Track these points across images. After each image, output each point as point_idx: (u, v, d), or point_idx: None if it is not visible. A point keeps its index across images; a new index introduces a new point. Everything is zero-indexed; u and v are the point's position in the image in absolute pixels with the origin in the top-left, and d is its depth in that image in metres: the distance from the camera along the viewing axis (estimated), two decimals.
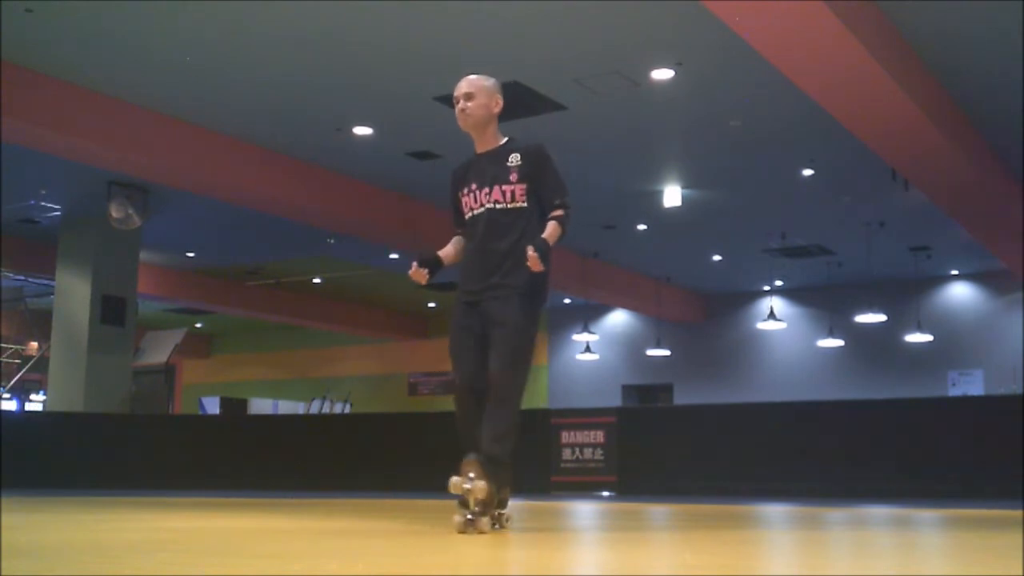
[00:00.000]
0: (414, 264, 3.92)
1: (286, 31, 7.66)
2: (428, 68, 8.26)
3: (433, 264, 3.94)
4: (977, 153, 9.84)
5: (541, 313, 3.88)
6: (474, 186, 3.89)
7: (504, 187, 3.83)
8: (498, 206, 3.83)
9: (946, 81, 8.66)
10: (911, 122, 8.26)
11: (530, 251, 3.65)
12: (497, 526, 3.72)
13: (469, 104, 3.89)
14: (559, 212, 3.83)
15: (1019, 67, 8.15)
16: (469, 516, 3.54)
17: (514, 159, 3.86)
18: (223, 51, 8.07)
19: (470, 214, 3.91)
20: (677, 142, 10.48)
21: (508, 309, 3.74)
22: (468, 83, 3.92)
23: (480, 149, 3.97)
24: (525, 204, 3.84)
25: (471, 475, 3.54)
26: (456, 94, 3.93)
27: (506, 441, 3.67)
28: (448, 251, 4.03)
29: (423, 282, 3.94)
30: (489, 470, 3.56)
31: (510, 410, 3.70)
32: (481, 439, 3.73)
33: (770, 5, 6.29)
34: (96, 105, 8.90)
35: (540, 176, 3.86)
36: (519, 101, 8.53)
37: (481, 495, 3.51)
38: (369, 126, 9.79)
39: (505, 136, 3.98)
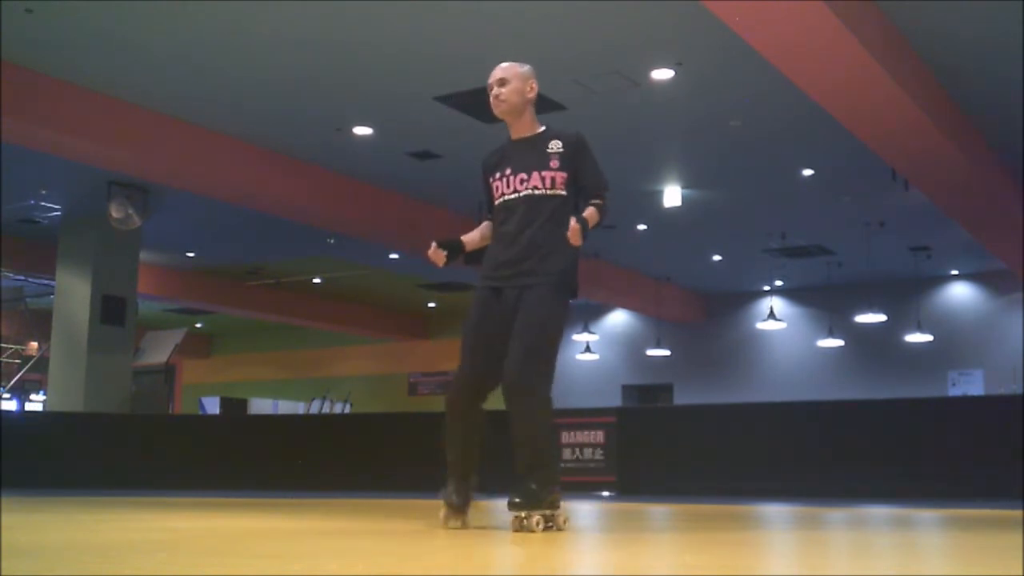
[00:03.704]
0: (433, 244, 3.88)
1: (286, 31, 7.67)
2: (428, 68, 8.26)
3: (453, 247, 3.90)
4: (977, 153, 9.84)
5: (568, 311, 3.82)
6: (508, 171, 3.83)
7: (544, 173, 3.78)
8: (536, 192, 3.78)
9: (946, 81, 8.66)
10: (911, 122, 8.26)
11: (573, 222, 3.62)
12: (553, 527, 3.61)
13: (503, 90, 3.85)
14: (598, 200, 3.80)
15: (1019, 67, 8.15)
16: (454, 522, 3.66)
17: (555, 146, 3.82)
18: (223, 51, 8.07)
19: (501, 199, 3.85)
20: (677, 142, 10.48)
21: (538, 300, 3.67)
22: (501, 69, 3.89)
23: (515, 135, 3.92)
24: (564, 192, 3.80)
25: (522, 516, 3.54)
26: (490, 82, 3.89)
27: (541, 446, 3.63)
28: (473, 236, 3.99)
29: (440, 264, 3.90)
30: (530, 493, 3.55)
31: (535, 408, 3.61)
32: (473, 452, 3.76)
33: (770, 5, 6.29)
34: (96, 105, 8.90)
35: (582, 164, 3.83)
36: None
37: (540, 528, 3.52)
38: (369, 126, 9.79)
39: (543, 124, 3.94)
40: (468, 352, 3.77)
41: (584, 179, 3.84)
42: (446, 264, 3.92)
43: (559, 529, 3.63)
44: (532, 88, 3.92)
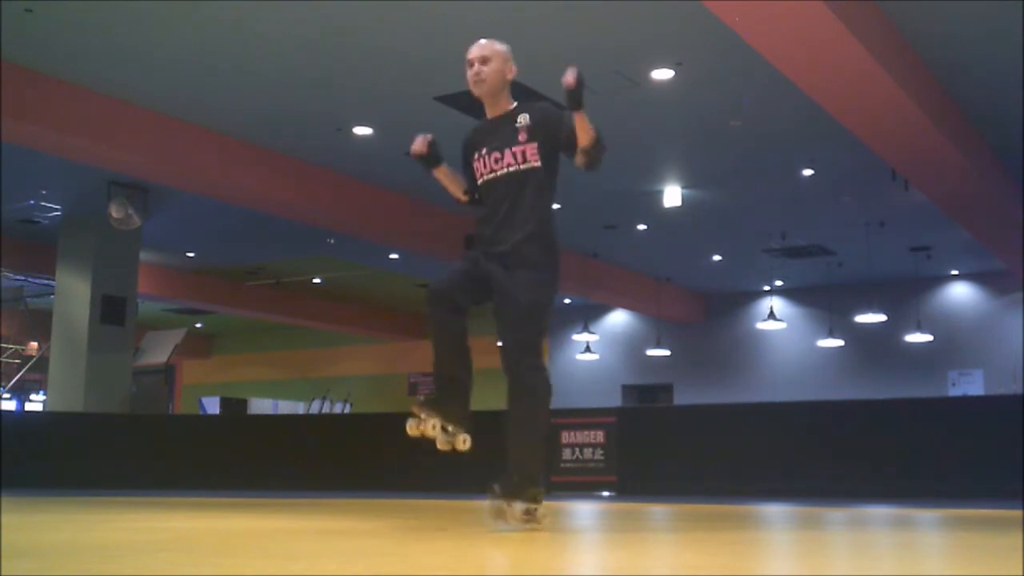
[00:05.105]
0: (431, 137, 3.96)
1: (286, 31, 7.67)
2: (428, 68, 8.26)
3: (437, 153, 3.99)
4: (977, 153, 9.84)
5: (558, 280, 3.81)
6: (484, 151, 3.87)
7: (515, 149, 3.81)
8: (511, 169, 3.81)
9: (946, 81, 8.66)
10: (911, 122, 8.26)
11: (569, 76, 3.63)
12: (533, 521, 3.58)
13: (484, 68, 3.85)
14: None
15: (1019, 67, 8.15)
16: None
17: (522, 119, 3.83)
18: (223, 51, 8.07)
19: (481, 179, 3.90)
20: (677, 142, 10.48)
21: (521, 285, 3.68)
22: (482, 47, 3.88)
23: (491, 114, 3.94)
24: (538, 163, 3.80)
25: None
26: (470, 58, 3.87)
27: (532, 446, 3.65)
28: (449, 171, 4.04)
29: (418, 149, 3.96)
30: (511, 486, 3.57)
31: (534, 408, 3.66)
32: (460, 377, 3.79)
33: (770, 5, 6.29)
34: (96, 105, 8.90)
35: (555, 122, 3.80)
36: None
37: (519, 518, 3.52)
38: (369, 126, 9.79)
39: (515, 101, 3.95)
40: (448, 271, 3.85)
41: (563, 130, 3.78)
42: (421, 157, 3.97)
43: (539, 526, 3.61)
44: (511, 70, 3.93)
